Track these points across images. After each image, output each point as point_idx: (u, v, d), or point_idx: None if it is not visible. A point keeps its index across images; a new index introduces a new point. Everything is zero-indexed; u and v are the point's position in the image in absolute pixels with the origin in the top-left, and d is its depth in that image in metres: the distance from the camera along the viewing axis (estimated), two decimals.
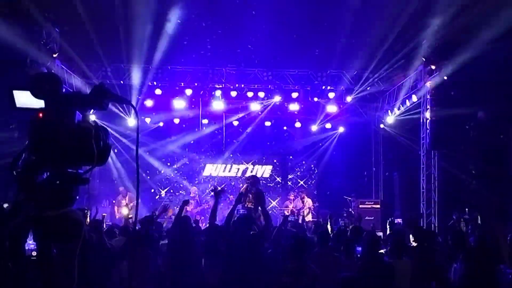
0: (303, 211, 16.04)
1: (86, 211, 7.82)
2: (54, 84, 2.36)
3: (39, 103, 2.38)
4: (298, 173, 19.66)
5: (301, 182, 19.48)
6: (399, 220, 14.79)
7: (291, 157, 19.70)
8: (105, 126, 2.48)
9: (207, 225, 11.48)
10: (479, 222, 10.85)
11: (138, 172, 2.91)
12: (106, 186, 17.17)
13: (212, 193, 8.22)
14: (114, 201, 16.57)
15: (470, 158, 14.39)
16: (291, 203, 16.85)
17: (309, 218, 15.87)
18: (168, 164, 19.16)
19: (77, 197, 2.38)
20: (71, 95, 2.44)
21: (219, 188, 8.30)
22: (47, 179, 2.32)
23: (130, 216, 10.84)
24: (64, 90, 2.48)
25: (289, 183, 19.53)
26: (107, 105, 2.48)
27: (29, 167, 2.27)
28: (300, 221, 13.76)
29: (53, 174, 2.31)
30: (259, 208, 12.53)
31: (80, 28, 12.73)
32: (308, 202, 16.57)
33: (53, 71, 13.17)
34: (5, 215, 2.51)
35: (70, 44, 13.69)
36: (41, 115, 2.31)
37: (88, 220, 8.37)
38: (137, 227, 7.89)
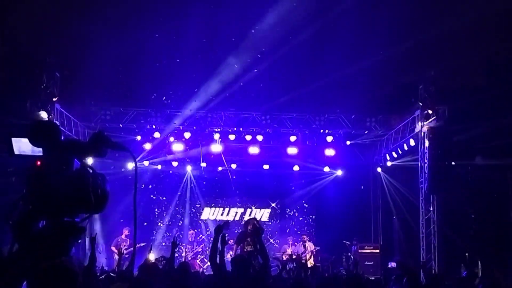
0: (305, 256, 15.74)
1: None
2: (52, 132, 2.36)
3: (37, 151, 2.37)
4: (297, 217, 19.49)
5: (302, 226, 19.30)
6: (393, 264, 14.65)
7: (289, 201, 19.58)
8: (103, 173, 2.46)
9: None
10: (479, 268, 10.74)
11: (136, 219, 2.88)
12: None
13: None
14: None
15: (469, 202, 14.35)
16: (289, 247, 16.63)
17: (311, 262, 15.56)
18: (165, 208, 19.04)
19: (73, 247, 2.34)
20: (69, 143, 2.44)
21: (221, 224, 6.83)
22: (43, 229, 2.29)
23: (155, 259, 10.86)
24: (63, 134, 2.47)
25: (287, 228, 19.32)
26: (105, 152, 2.47)
27: (25, 217, 2.24)
28: (301, 267, 13.35)
29: (50, 223, 2.28)
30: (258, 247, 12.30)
31: (81, 72, 12.89)
32: (310, 246, 16.17)
33: (52, 114, 13.24)
34: (2, 265, 2.46)
35: (70, 88, 13.81)
36: (38, 163, 2.30)
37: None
38: (134, 273, 7.70)
